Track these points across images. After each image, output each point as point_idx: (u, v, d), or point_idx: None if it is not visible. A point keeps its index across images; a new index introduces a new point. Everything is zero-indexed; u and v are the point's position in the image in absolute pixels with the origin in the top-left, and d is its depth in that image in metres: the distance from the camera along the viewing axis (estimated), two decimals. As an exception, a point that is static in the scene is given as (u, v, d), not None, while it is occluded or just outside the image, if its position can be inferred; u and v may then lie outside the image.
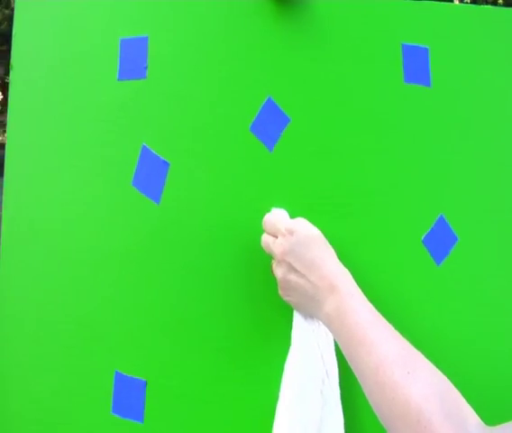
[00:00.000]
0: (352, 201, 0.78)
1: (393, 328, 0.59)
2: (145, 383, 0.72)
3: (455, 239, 0.79)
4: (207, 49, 0.78)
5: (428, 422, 0.49)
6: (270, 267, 0.73)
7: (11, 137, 0.74)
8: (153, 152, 0.75)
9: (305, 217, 0.71)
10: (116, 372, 0.72)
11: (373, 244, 0.77)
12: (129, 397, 0.71)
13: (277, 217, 0.72)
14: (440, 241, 0.79)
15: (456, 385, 0.53)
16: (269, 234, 0.71)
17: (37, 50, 0.76)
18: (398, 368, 0.54)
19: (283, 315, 0.73)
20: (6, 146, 0.74)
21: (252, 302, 0.74)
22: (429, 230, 0.79)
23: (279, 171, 0.77)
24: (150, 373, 0.73)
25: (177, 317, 0.74)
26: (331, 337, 0.72)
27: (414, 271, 0.78)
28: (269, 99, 0.78)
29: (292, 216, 0.74)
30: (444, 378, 0.54)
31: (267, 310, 0.74)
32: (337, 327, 0.62)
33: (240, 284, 0.73)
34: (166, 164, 0.75)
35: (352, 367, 0.60)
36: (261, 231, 0.72)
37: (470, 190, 0.81)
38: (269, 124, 0.77)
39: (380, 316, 0.61)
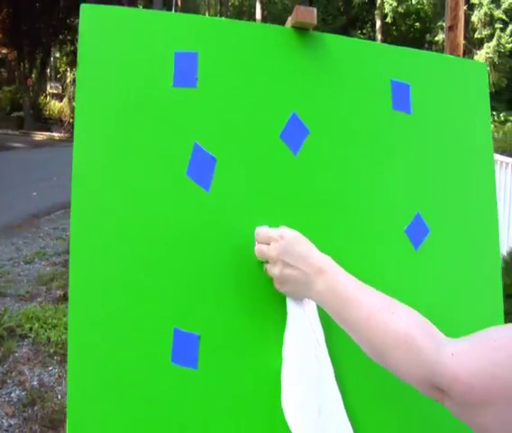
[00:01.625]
0: (352, 199, 1.00)
1: (372, 288, 0.81)
2: (198, 337, 0.87)
3: (428, 230, 1.04)
4: (246, 68, 0.95)
5: (413, 340, 0.71)
6: (264, 270, 0.91)
7: (79, 132, 0.86)
8: (203, 148, 0.91)
9: (312, 206, 0.93)
10: (175, 328, 0.87)
11: (370, 233, 1.00)
12: (185, 349, 0.86)
13: (266, 229, 0.91)
14: (417, 231, 1.03)
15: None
16: (261, 242, 0.90)
17: (102, 53, 0.88)
18: (385, 312, 0.76)
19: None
20: (75, 136, 0.85)
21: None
22: (409, 223, 1.03)
23: (301, 170, 0.97)
24: (203, 329, 0.88)
25: (222, 284, 0.90)
26: (317, 314, 0.92)
27: (399, 253, 1.02)
28: (293, 114, 0.97)
29: (308, 204, 0.95)
30: (418, 313, 0.77)
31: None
32: (329, 299, 0.82)
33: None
34: (214, 159, 0.91)
35: (345, 326, 0.81)
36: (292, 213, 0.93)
37: (438, 194, 1.07)
38: (294, 133, 0.96)
39: (360, 281, 0.83)
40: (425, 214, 1.04)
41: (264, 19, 28.48)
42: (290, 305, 0.90)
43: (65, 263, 4.76)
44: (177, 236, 0.89)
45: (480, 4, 24.06)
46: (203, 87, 0.92)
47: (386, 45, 1.08)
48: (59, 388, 3.22)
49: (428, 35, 29.27)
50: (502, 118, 24.12)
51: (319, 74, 1.00)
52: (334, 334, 0.89)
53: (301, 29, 0.99)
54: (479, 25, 24.46)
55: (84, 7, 0.89)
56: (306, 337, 0.90)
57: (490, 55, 24.10)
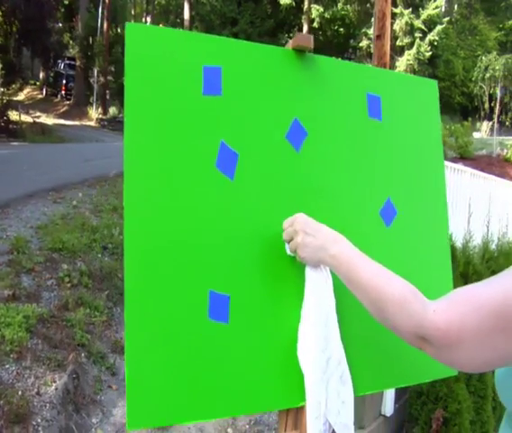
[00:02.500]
0: (339, 187, 1.25)
1: (374, 261, 1.06)
2: (229, 297, 1.08)
3: (396, 212, 1.31)
4: (259, 81, 1.18)
5: (406, 300, 0.95)
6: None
7: (128, 134, 1.04)
8: (228, 145, 1.12)
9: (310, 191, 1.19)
10: (210, 291, 1.07)
11: (353, 214, 1.25)
12: (218, 307, 1.06)
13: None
14: (388, 213, 1.29)
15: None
16: (286, 228, 1.15)
17: (145, 66, 1.07)
18: (384, 276, 1.01)
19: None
20: (125, 137, 1.03)
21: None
22: (382, 206, 1.30)
23: (302, 164, 1.22)
24: (232, 290, 1.09)
25: (246, 255, 1.12)
26: (331, 283, 1.16)
27: (375, 229, 1.29)
28: (295, 119, 1.20)
29: (307, 190, 1.19)
30: (408, 282, 1.02)
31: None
32: (340, 262, 1.07)
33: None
34: (236, 155, 1.12)
35: (352, 286, 1.05)
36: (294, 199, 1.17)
37: (403, 184, 1.34)
38: (296, 135, 1.20)
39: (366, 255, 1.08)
40: (393, 199, 1.31)
41: (192, 19, 28.51)
42: (309, 273, 1.13)
43: (9, 263, 4.69)
44: (210, 216, 1.09)
45: (402, 14, 25.51)
46: (226, 96, 1.14)
47: (362, 65, 1.35)
48: (19, 384, 3.25)
49: (352, 41, 30.56)
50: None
51: (314, 87, 1.24)
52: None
53: (300, 51, 1.22)
54: (400, 34, 25.95)
55: (129, 25, 1.07)
56: (321, 302, 1.13)
57: (411, 62, 25.63)
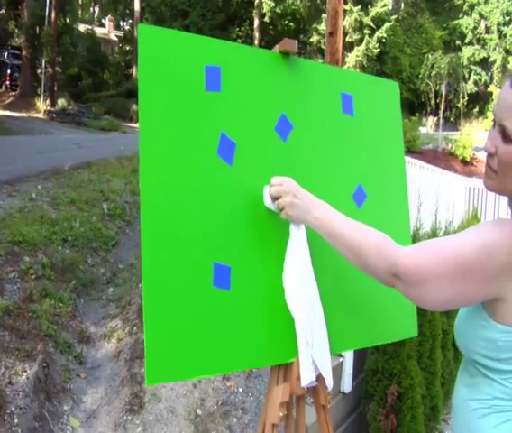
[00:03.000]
0: (319, 173, 1.44)
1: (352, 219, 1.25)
2: (229, 268, 1.24)
3: (365, 196, 1.51)
4: (252, 79, 1.34)
5: (381, 245, 1.14)
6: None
7: (143, 124, 1.18)
8: (227, 135, 1.28)
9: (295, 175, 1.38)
10: (214, 262, 1.23)
11: (330, 197, 1.43)
12: (221, 275, 1.22)
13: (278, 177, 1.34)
14: (359, 197, 1.49)
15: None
16: (275, 184, 1.31)
17: (156, 65, 1.21)
18: (361, 229, 1.21)
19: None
20: (140, 127, 1.17)
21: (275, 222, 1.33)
22: (354, 191, 1.49)
23: (288, 152, 1.39)
24: (232, 262, 1.26)
25: (243, 230, 1.28)
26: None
27: (348, 211, 1.45)
28: (283, 114, 1.38)
29: (292, 174, 1.37)
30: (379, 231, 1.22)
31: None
32: (323, 222, 1.25)
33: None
34: (234, 143, 1.28)
35: (333, 241, 1.23)
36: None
37: (372, 172, 1.54)
38: (283, 127, 1.37)
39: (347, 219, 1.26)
40: (364, 185, 1.51)
41: (142, 11, 28.12)
42: (293, 230, 1.32)
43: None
44: (212, 198, 1.25)
45: (351, 11, 26.14)
46: (225, 92, 1.30)
47: (337, 68, 1.54)
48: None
49: (302, 36, 30.98)
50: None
51: (298, 86, 1.42)
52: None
53: (285, 53, 1.40)
54: (350, 30, 26.59)
55: (141, 27, 1.21)
56: (303, 253, 1.32)
57: (360, 58, 26.33)
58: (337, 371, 4.03)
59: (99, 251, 6.16)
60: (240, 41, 29.70)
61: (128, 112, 23.76)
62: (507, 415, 1.14)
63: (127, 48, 33.66)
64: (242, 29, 30.26)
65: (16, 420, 3.09)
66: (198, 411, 3.83)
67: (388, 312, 1.49)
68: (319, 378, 1.35)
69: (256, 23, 28.90)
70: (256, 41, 29.18)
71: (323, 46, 27.95)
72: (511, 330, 1.08)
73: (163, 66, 1.23)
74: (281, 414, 1.29)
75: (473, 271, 1.05)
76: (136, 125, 22.24)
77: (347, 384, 4.10)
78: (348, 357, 4.15)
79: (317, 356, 1.29)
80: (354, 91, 1.53)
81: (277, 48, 1.40)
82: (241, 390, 4.14)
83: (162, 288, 1.16)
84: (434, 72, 26.10)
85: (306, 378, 1.28)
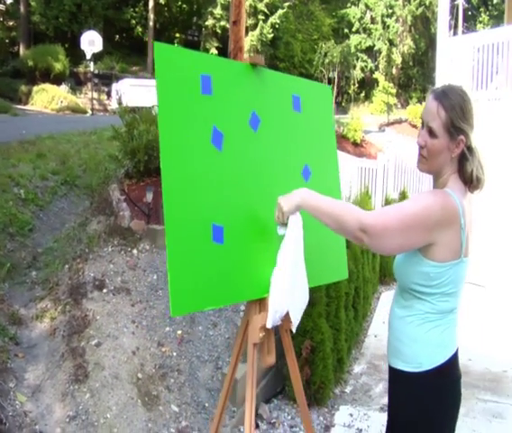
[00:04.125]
0: (278, 156, 1.90)
1: (335, 201, 1.73)
2: (223, 227, 1.66)
3: (310, 173, 2.00)
4: (233, 85, 1.75)
5: (355, 210, 1.64)
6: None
7: (163, 124, 1.56)
8: (217, 128, 1.69)
9: (263, 157, 1.83)
10: (213, 223, 1.64)
11: (285, 175, 1.91)
12: (217, 233, 1.64)
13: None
14: (306, 174, 1.98)
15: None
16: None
17: (169, 75, 1.59)
18: (336, 203, 1.71)
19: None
20: (160, 123, 1.55)
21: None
22: (302, 169, 1.97)
23: (258, 140, 1.83)
24: (225, 222, 1.67)
25: (231, 199, 1.70)
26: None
27: (299, 185, 1.92)
28: (253, 111, 1.81)
29: (261, 157, 1.82)
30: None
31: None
32: (308, 202, 1.69)
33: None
34: (222, 134, 1.70)
35: (318, 215, 1.69)
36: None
37: (314, 156, 2.02)
38: (254, 121, 1.81)
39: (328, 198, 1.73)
40: (309, 165, 2.00)
41: None
42: (291, 219, 1.74)
43: None
44: (209, 174, 1.65)
45: (246, -3, 26.67)
46: (215, 95, 1.70)
47: (288, 75, 2.00)
48: None
49: (196, 18, 31.00)
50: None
51: (263, 89, 1.85)
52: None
53: (254, 65, 1.84)
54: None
55: (156, 44, 1.59)
56: (299, 237, 1.76)
57: (254, 43, 27.05)
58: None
59: (16, 236, 6.12)
60: (134, 21, 29.03)
61: (16, 93, 22.37)
62: (435, 323, 1.72)
63: (10, 23, 31.36)
64: (137, 10, 29.61)
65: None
66: (139, 375, 4.17)
67: (327, 258, 2.01)
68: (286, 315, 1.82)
69: (151, 4, 28.44)
70: (151, 23, 28.73)
71: (218, 30, 28.28)
72: (439, 265, 1.66)
73: (174, 75, 1.61)
74: (261, 335, 1.75)
75: (417, 225, 1.60)
76: (28, 107, 21.13)
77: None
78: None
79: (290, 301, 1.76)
80: (301, 93, 2.00)
81: (248, 60, 1.84)
82: (175, 354, 4.54)
83: (179, 242, 1.56)
84: (327, 60, 27.66)
85: (271, 322, 1.75)
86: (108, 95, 24.91)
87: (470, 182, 1.73)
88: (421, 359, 1.74)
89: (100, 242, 5.54)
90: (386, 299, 7.56)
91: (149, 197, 5.88)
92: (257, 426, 4.18)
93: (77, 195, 7.52)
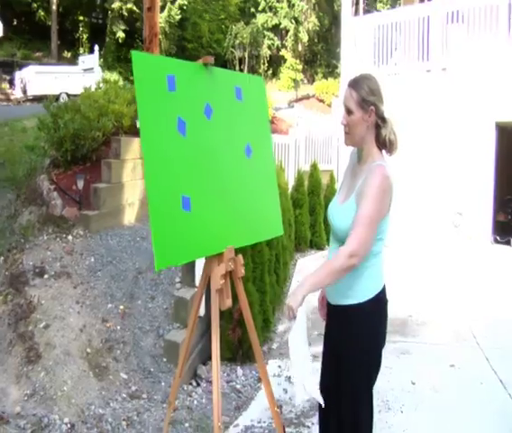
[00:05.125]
0: (226, 139, 2.31)
1: (322, 265, 2.16)
2: (190, 198, 2.06)
3: (251, 151, 2.43)
4: (191, 82, 2.13)
5: (341, 263, 2.08)
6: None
7: (141, 116, 1.92)
8: (181, 118, 2.08)
9: (215, 140, 2.26)
10: (182, 194, 2.03)
11: (232, 151, 2.33)
12: (186, 203, 2.03)
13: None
14: (248, 151, 2.41)
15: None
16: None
17: (144, 78, 1.96)
18: (328, 264, 2.13)
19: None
20: (140, 121, 1.91)
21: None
22: (245, 147, 2.40)
23: (211, 126, 2.23)
24: (191, 194, 2.06)
25: (196, 175, 2.10)
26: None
27: (241, 159, 2.37)
28: (207, 103, 2.20)
29: (213, 139, 2.24)
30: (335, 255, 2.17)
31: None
32: (310, 285, 2.06)
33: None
34: (185, 123, 2.08)
35: (323, 285, 2.18)
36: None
37: (253, 136, 2.46)
38: (208, 111, 2.21)
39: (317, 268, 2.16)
40: (250, 144, 2.43)
41: None
42: (299, 312, 2.07)
43: None
44: (176, 156, 2.02)
45: (153, -21, 26.23)
46: (178, 91, 2.07)
47: (231, 71, 2.43)
48: None
49: (99, 0, 30.07)
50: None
51: (213, 84, 2.25)
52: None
53: (206, 64, 2.24)
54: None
55: (134, 53, 1.94)
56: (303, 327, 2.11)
57: (162, 24, 26.80)
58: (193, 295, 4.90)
59: None
60: (35, 5, 27.56)
61: None
62: (371, 262, 2.28)
63: None
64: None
65: None
66: (88, 350, 4.46)
67: (264, 216, 2.48)
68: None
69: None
70: (54, 6, 27.47)
71: (125, 12, 27.66)
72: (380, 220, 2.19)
73: (147, 76, 1.97)
74: (221, 282, 2.19)
75: (381, 211, 2.11)
76: None
77: (201, 309, 4.85)
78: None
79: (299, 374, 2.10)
80: (241, 85, 2.42)
81: (201, 61, 2.23)
82: (119, 328, 4.86)
83: (158, 211, 1.95)
84: (237, 41, 28.08)
85: (300, 398, 2.14)
86: (10, 83, 23.54)
87: (385, 146, 2.25)
88: (365, 291, 2.26)
89: (34, 231, 5.63)
90: (302, 265, 8.26)
91: (79, 184, 6.04)
92: (198, 384, 4.62)
93: (-4, 189, 7.30)
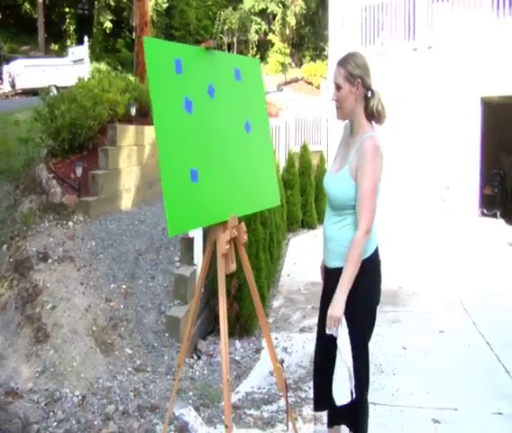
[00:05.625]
0: (227, 116, 2.50)
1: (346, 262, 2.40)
2: (197, 171, 2.25)
3: (250, 127, 2.62)
4: (196, 64, 2.31)
5: (355, 248, 2.37)
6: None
7: (153, 98, 2.10)
8: (188, 98, 2.26)
9: (217, 117, 2.46)
10: (190, 168, 2.22)
11: (234, 128, 2.52)
12: (194, 175, 2.22)
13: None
14: (247, 127, 2.60)
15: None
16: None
17: (155, 62, 2.13)
18: (351, 258, 2.39)
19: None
20: (152, 102, 2.09)
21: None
22: (244, 123, 2.59)
23: (214, 105, 2.41)
24: (198, 167, 2.25)
25: (203, 149, 2.29)
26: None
27: (242, 135, 2.55)
28: (210, 84, 2.38)
29: (217, 115, 2.43)
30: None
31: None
32: (346, 286, 2.37)
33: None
34: (191, 102, 2.26)
35: (354, 274, 2.38)
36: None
37: (252, 114, 2.64)
38: (211, 91, 2.38)
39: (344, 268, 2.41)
40: (250, 121, 2.62)
41: None
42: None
43: None
44: (184, 131, 2.20)
45: (138, -33, 26.12)
46: (184, 73, 2.25)
47: (230, 54, 2.67)
48: None
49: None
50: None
51: (214, 66, 2.42)
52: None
53: (208, 48, 2.42)
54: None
55: (146, 39, 2.13)
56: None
57: (150, 13, 26.68)
58: (192, 278, 5.13)
59: None
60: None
61: None
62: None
63: None
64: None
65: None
66: (94, 328, 4.65)
67: (262, 186, 2.67)
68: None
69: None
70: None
71: (112, 2, 27.52)
72: None
73: (158, 60, 2.16)
74: (227, 247, 2.39)
75: (377, 178, 2.35)
76: None
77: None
78: (199, 266, 5.16)
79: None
80: (240, 66, 2.60)
81: (203, 45, 2.42)
82: (122, 306, 5.05)
83: (170, 183, 2.13)
84: (226, 27, 28.08)
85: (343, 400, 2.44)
86: (-2, 78, 23.36)
87: (374, 116, 2.46)
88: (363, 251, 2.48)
89: (36, 219, 5.78)
90: (295, 244, 8.50)
91: (78, 172, 6.20)
92: (198, 357, 4.84)
93: (-9, 181, 7.35)
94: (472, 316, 5.38)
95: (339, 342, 2.40)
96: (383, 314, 5.32)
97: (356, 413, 2.57)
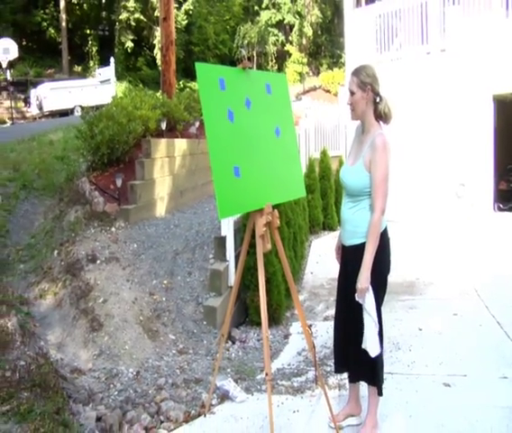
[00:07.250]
0: (264, 126, 3.06)
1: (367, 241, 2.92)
2: (239, 167, 2.80)
3: (280, 131, 3.16)
4: (235, 82, 2.87)
5: (374, 226, 2.90)
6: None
7: (205, 111, 2.66)
8: (230, 109, 2.81)
9: (255, 127, 3.02)
10: (234, 165, 2.77)
11: (267, 133, 3.06)
12: (237, 171, 2.77)
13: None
14: (277, 132, 3.12)
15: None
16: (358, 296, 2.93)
17: (206, 84, 2.70)
18: (371, 236, 2.90)
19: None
20: (204, 114, 2.64)
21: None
22: (275, 129, 3.16)
23: (251, 116, 2.97)
24: (240, 164, 2.80)
25: (245, 150, 2.84)
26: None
27: (273, 138, 3.09)
28: (247, 97, 2.94)
29: (255, 125, 2.99)
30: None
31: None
32: (369, 261, 2.88)
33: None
34: (233, 113, 2.81)
35: (374, 250, 2.90)
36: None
37: (282, 121, 3.18)
38: (248, 104, 2.94)
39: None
40: (279, 126, 3.15)
41: None
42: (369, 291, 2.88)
43: None
44: (229, 136, 2.75)
45: (158, -13, 26.97)
46: (227, 90, 2.80)
47: (261, 71, 3.17)
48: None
49: (105, 13, 30.87)
50: (181, 85, 27.49)
51: (250, 83, 2.98)
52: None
53: (244, 69, 2.98)
54: (158, 4, 27.55)
55: (198, 65, 2.69)
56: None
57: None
58: (225, 272, 5.68)
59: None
60: (45, 23, 28.38)
61: None
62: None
63: None
64: (47, 11, 28.95)
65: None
66: (141, 318, 5.24)
67: (289, 178, 3.21)
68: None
69: (62, 4, 27.97)
70: (63, 23, 28.34)
71: (132, 22, 28.47)
72: None
73: (207, 81, 2.72)
74: (264, 229, 2.93)
75: (387, 168, 2.84)
76: None
77: (231, 279, 5.69)
78: (231, 261, 5.75)
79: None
80: (270, 81, 3.15)
81: (240, 66, 2.98)
82: (164, 299, 5.63)
83: (218, 177, 2.67)
84: (246, 41, 28.84)
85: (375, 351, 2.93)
86: (25, 102, 24.39)
87: (381, 117, 2.99)
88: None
89: (82, 226, 6.42)
90: (317, 245, 8.96)
91: (118, 182, 6.83)
92: (233, 343, 5.35)
93: (36, 196, 7.85)
94: (485, 301, 5.76)
95: (366, 305, 2.89)
96: (400, 302, 5.77)
97: (373, 368, 3.06)
